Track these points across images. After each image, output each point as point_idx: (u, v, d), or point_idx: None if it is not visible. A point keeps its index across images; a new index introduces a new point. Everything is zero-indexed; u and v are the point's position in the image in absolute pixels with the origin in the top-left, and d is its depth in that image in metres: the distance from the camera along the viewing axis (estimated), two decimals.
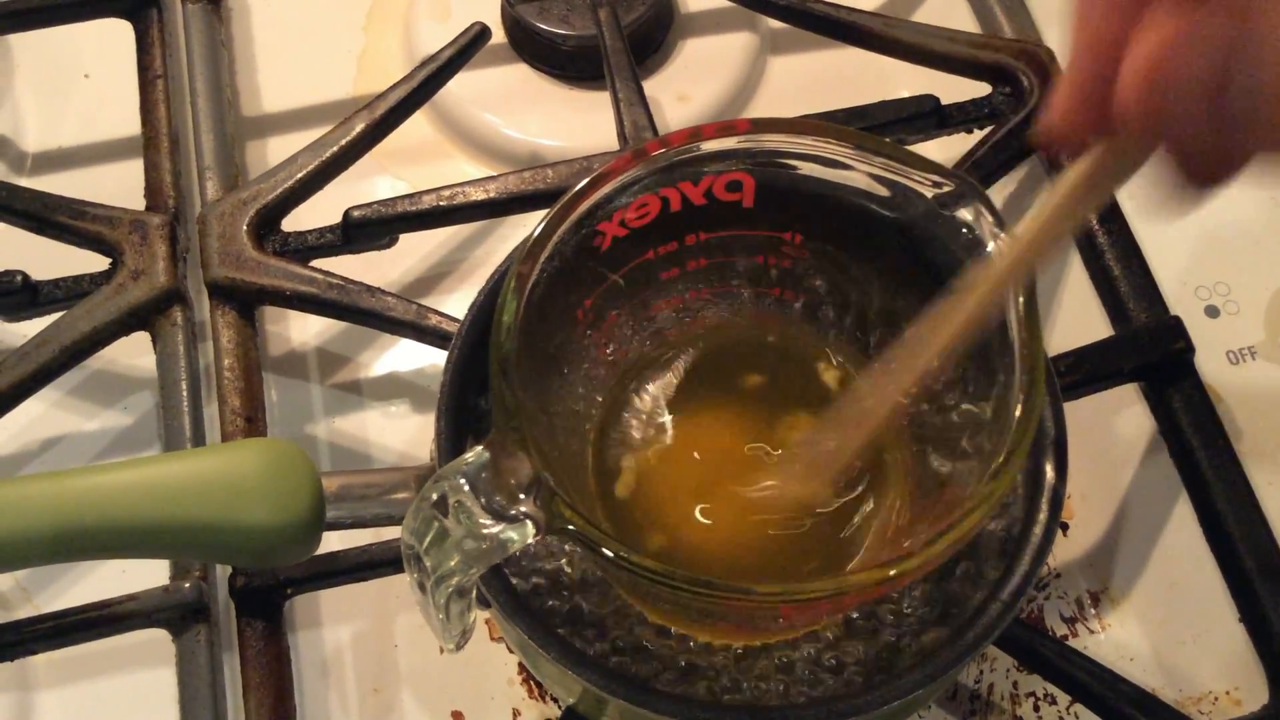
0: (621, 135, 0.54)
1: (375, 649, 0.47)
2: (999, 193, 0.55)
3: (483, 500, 0.31)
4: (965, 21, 0.61)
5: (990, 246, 0.34)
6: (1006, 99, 0.55)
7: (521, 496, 0.31)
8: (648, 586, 0.31)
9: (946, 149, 0.56)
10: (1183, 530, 0.48)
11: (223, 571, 0.46)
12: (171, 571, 0.46)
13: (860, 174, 0.36)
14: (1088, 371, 0.48)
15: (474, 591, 0.34)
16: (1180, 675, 0.47)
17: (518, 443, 0.31)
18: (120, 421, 0.53)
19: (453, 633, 0.34)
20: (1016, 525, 0.38)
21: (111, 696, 0.47)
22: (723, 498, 0.39)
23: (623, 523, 0.39)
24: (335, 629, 0.48)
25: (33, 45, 0.62)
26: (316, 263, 0.51)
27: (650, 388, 0.41)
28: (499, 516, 0.31)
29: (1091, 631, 0.48)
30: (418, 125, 0.57)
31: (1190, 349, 0.49)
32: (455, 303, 0.54)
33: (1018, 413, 0.32)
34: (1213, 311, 0.52)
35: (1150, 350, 0.49)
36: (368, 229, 0.52)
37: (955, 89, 0.56)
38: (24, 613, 0.48)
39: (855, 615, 0.39)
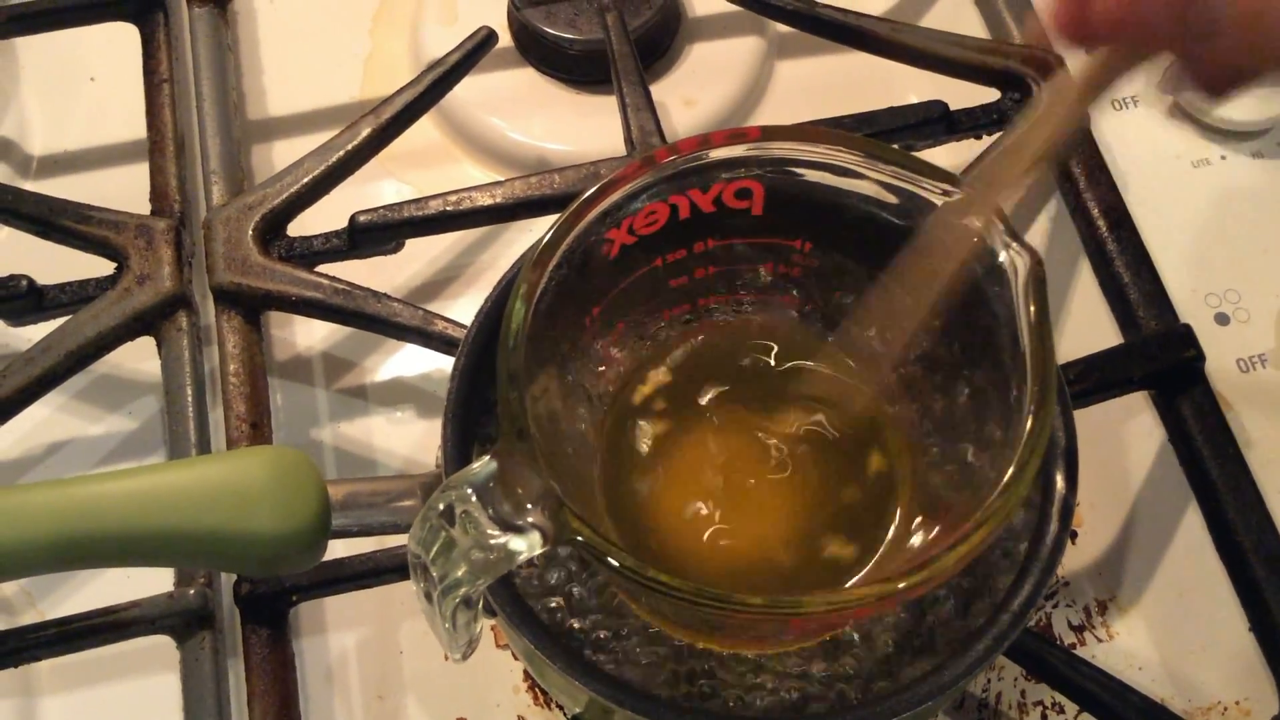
0: (628, 140, 0.53)
1: (380, 656, 0.47)
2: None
3: (490, 510, 0.31)
4: (974, 27, 0.61)
5: (1002, 256, 0.33)
6: (1015, 105, 0.55)
7: (529, 507, 0.31)
8: (656, 598, 0.31)
9: (955, 155, 0.55)
10: (1192, 539, 0.48)
11: (228, 578, 0.46)
12: (176, 578, 0.46)
13: (870, 182, 0.36)
14: (1097, 380, 0.48)
15: (480, 601, 0.34)
16: (1189, 685, 0.47)
17: (525, 452, 0.31)
18: (125, 426, 0.53)
19: (459, 643, 0.34)
20: (1026, 535, 0.38)
21: (116, 703, 0.47)
22: (732, 507, 0.38)
23: (631, 533, 0.38)
24: (340, 636, 0.48)
25: (38, 49, 0.62)
26: (322, 268, 0.51)
27: (659, 396, 0.41)
28: (506, 527, 0.31)
29: (1100, 640, 0.47)
30: (424, 130, 0.57)
31: (1200, 357, 0.48)
32: (461, 308, 0.54)
33: (1029, 426, 0.31)
34: (1223, 319, 0.52)
35: (1160, 358, 0.48)
36: (374, 234, 0.52)
37: (964, 94, 0.56)
38: (29, 619, 0.48)
39: (867, 626, 0.39)
